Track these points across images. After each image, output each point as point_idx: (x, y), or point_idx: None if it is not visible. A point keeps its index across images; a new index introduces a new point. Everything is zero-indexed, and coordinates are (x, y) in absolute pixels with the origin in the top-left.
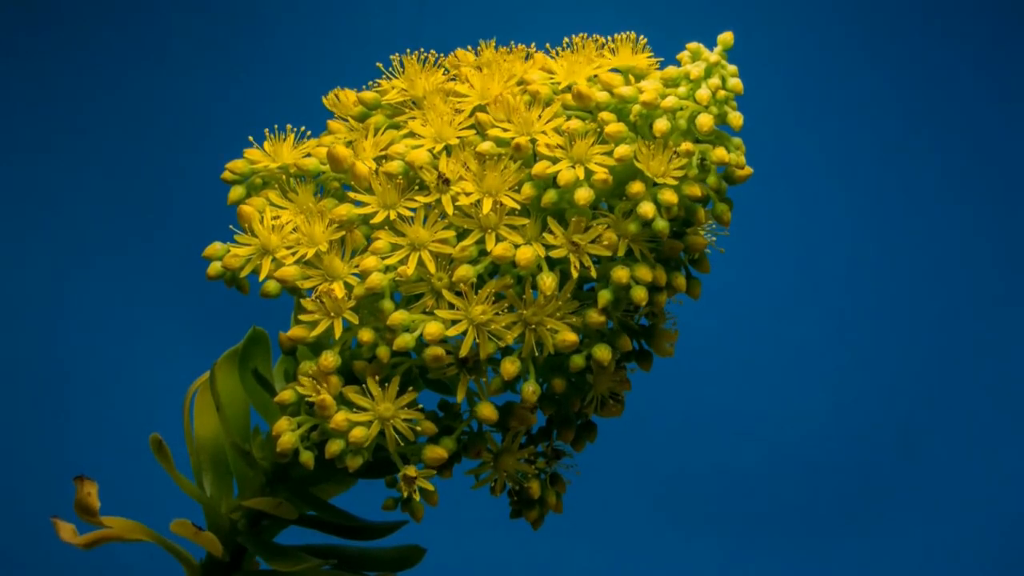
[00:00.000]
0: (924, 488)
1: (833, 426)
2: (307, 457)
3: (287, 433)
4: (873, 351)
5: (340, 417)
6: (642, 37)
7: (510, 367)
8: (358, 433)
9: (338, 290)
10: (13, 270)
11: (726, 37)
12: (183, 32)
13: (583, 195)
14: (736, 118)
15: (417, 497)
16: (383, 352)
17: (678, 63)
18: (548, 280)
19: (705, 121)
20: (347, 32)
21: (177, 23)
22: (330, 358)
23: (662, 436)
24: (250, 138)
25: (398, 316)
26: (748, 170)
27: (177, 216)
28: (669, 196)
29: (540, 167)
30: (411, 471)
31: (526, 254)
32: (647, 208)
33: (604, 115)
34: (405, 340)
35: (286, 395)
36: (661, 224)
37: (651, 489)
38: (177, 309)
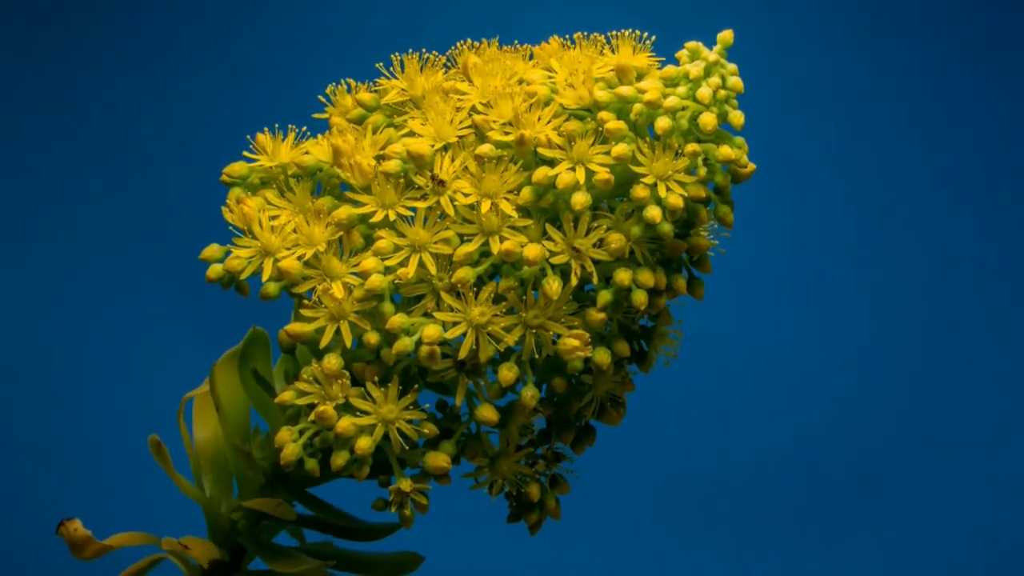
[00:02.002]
0: (927, 488)
1: (835, 427)
2: (312, 465)
3: (289, 444)
4: (873, 351)
5: (346, 422)
6: (646, 34)
7: (508, 374)
8: (363, 444)
9: (337, 290)
10: (12, 270)
11: (726, 35)
12: (184, 32)
13: (580, 200)
14: (737, 117)
15: (408, 511)
16: (387, 355)
17: (677, 62)
18: (554, 284)
19: (708, 120)
20: (347, 32)
21: (177, 23)
22: (333, 361)
23: (662, 436)
24: (248, 137)
25: (397, 320)
26: (751, 167)
27: (176, 216)
28: (675, 200)
29: (540, 173)
30: (405, 485)
31: (534, 251)
32: (654, 212)
33: (603, 114)
34: (404, 344)
35: (287, 396)
36: (667, 227)
37: (650, 490)
38: (177, 309)
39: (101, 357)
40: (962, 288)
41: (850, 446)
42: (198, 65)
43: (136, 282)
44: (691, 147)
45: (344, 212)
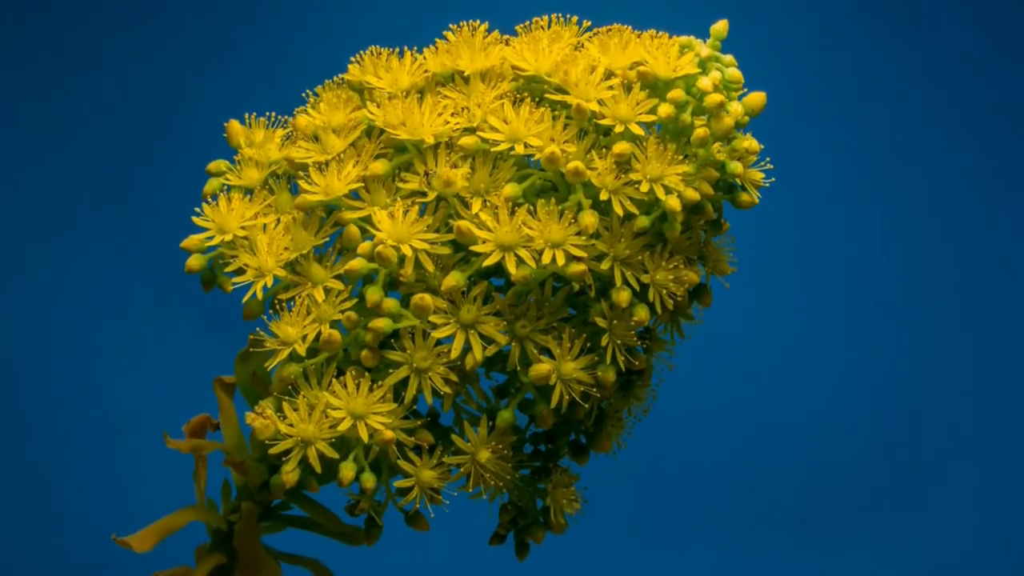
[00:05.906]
0: (929, 492)
1: (837, 429)
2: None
3: (259, 419)
4: (873, 354)
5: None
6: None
7: (543, 368)
8: (388, 435)
9: (318, 294)
10: (9, 270)
11: (719, 28)
12: (186, 33)
13: (589, 221)
14: (738, 107)
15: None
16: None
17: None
18: (589, 218)
19: (714, 99)
20: (346, 33)
21: (180, 26)
22: (333, 334)
23: (662, 437)
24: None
25: (389, 303)
26: (757, 145)
27: (175, 217)
28: (690, 193)
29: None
30: (364, 505)
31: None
32: (673, 202)
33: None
34: (385, 323)
35: (267, 402)
36: (676, 226)
37: (650, 491)
38: (176, 310)
39: (99, 357)
40: (964, 289)
41: (850, 449)
42: (202, 66)
43: (135, 282)
44: (699, 132)
45: (359, 264)
